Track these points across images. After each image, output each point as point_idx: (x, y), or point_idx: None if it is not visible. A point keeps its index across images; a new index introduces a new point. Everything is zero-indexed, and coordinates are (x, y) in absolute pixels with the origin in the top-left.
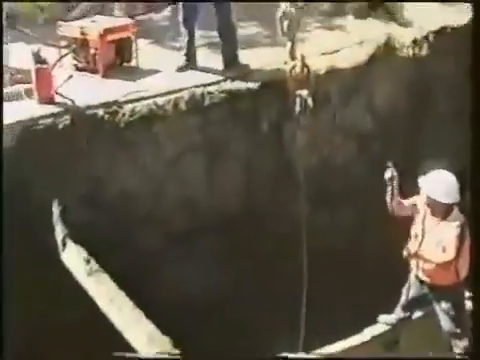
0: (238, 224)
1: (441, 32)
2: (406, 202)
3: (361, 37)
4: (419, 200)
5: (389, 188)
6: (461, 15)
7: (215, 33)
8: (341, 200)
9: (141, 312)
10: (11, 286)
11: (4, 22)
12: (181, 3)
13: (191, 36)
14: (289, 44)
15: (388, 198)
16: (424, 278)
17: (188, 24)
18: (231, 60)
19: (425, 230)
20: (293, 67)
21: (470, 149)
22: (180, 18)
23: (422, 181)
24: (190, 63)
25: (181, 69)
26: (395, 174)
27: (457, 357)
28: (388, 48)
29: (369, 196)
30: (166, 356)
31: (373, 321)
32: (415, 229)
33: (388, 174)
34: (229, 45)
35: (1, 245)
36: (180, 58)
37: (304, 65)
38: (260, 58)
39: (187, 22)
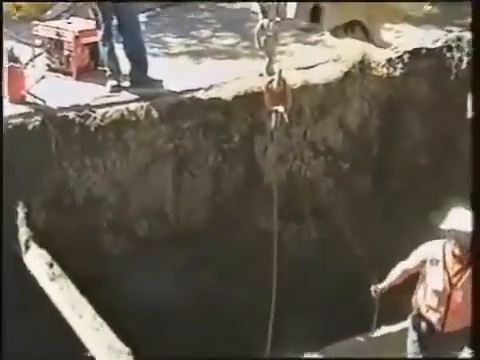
0: (204, 235)
1: (416, 53)
2: (411, 264)
3: (337, 54)
4: (429, 251)
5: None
6: (436, 37)
7: (194, 41)
8: (309, 215)
9: (102, 321)
10: None
11: None
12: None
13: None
14: (267, 59)
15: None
16: (446, 330)
17: (105, 37)
18: (140, 77)
19: (452, 280)
20: (270, 82)
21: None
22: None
23: (446, 225)
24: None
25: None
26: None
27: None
28: (363, 66)
29: (337, 212)
30: None
31: (335, 338)
32: (434, 284)
33: (376, 293)
34: (137, 63)
35: None
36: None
37: (281, 80)
38: (237, 69)
39: (104, 37)
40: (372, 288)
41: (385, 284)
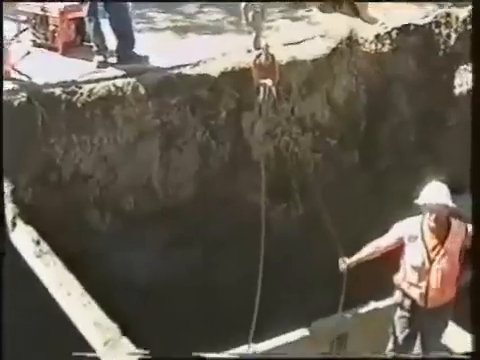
0: (191, 210)
1: (404, 29)
2: (386, 242)
3: (324, 30)
4: (406, 228)
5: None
6: (424, 13)
7: (180, 16)
8: (296, 191)
9: (90, 298)
10: None
11: None
12: None
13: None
14: (254, 34)
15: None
16: (429, 305)
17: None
18: (126, 53)
19: (431, 255)
20: (258, 56)
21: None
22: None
23: (421, 200)
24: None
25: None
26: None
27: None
28: (350, 42)
29: (324, 189)
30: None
31: (322, 314)
32: (413, 260)
33: (343, 267)
34: (124, 38)
35: None
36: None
37: (269, 55)
38: (224, 44)
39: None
40: (340, 261)
41: (354, 259)
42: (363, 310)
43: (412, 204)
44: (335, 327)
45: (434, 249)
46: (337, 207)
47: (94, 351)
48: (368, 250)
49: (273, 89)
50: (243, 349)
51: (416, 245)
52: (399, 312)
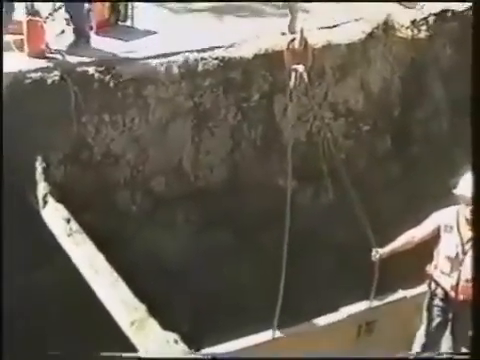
0: (222, 193)
1: (442, 15)
2: (422, 232)
3: (360, 14)
4: (443, 218)
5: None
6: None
7: None
8: (327, 176)
9: (118, 277)
10: None
11: None
12: None
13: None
14: (289, 17)
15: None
16: (461, 297)
17: None
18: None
19: (465, 247)
20: (292, 41)
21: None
22: None
23: (458, 190)
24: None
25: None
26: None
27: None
28: (386, 27)
29: (355, 175)
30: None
31: (350, 300)
32: (447, 251)
33: (375, 257)
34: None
35: None
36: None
37: (303, 40)
38: (259, 27)
39: None
40: (373, 252)
41: (387, 249)
42: (392, 298)
43: (444, 192)
44: (363, 314)
45: (469, 241)
46: (368, 193)
47: (120, 330)
48: (402, 240)
49: (304, 75)
50: (268, 334)
51: (451, 235)
52: (433, 300)
